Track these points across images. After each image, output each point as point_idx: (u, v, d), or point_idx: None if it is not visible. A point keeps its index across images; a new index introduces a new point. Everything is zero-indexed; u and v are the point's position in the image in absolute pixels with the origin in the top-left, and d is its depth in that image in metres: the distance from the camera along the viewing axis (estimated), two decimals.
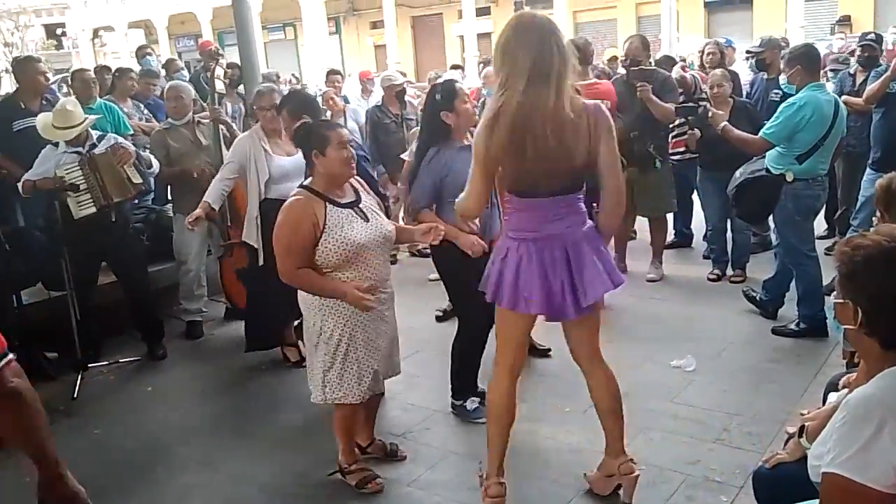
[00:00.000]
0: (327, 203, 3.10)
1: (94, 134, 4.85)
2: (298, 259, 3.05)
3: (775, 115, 4.55)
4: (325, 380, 3.18)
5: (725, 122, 4.89)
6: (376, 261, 3.16)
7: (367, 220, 3.16)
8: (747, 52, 6.63)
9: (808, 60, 4.55)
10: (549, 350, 4.54)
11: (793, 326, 4.70)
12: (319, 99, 8.23)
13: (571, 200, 2.84)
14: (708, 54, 6.78)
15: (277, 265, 3.09)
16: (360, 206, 3.20)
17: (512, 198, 2.87)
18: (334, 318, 3.12)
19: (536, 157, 2.68)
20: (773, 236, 5.33)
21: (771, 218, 5.01)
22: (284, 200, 3.21)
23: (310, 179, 3.19)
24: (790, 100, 4.56)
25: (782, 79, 5.03)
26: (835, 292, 2.14)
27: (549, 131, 2.64)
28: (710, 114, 4.98)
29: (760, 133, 4.59)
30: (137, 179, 4.79)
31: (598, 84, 5.55)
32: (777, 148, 4.55)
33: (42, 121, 4.79)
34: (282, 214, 3.12)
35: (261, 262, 4.45)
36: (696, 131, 5.64)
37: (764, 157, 4.71)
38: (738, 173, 4.79)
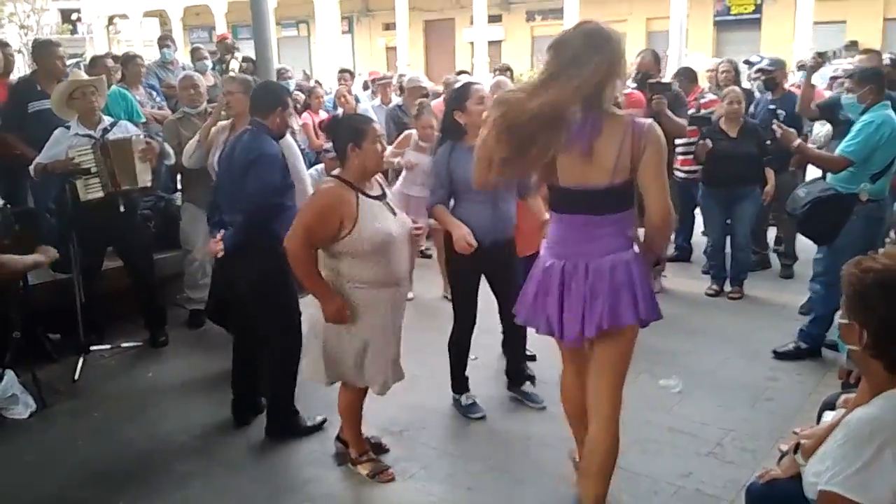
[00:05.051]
0: (359, 194, 3.16)
1: (107, 119, 4.88)
2: (311, 240, 3.11)
3: (852, 133, 4.46)
4: (343, 363, 3.26)
5: (800, 140, 4.79)
6: (402, 254, 3.24)
7: (394, 213, 3.27)
8: (758, 70, 6.62)
9: (878, 80, 4.57)
10: (535, 356, 4.55)
11: (791, 347, 4.68)
12: (332, 95, 8.31)
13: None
14: (723, 72, 6.86)
15: (289, 233, 3.11)
16: (387, 199, 3.31)
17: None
18: (372, 306, 3.19)
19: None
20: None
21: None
22: None
23: (338, 171, 3.25)
24: (866, 118, 4.47)
25: (847, 97, 4.85)
26: (839, 312, 2.15)
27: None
28: (778, 133, 4.71)
29: (838, 150, 4.48)
30: (145, 178, 4.82)
31: (632, 93, 5.53)
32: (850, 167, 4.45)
33: (56, 95, 4.81)
34: (315, 197, 3.23)
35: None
36: (708, 141, 5.66)
37: (822, 176, 4.65)
38: (801, 192, 4.65)
